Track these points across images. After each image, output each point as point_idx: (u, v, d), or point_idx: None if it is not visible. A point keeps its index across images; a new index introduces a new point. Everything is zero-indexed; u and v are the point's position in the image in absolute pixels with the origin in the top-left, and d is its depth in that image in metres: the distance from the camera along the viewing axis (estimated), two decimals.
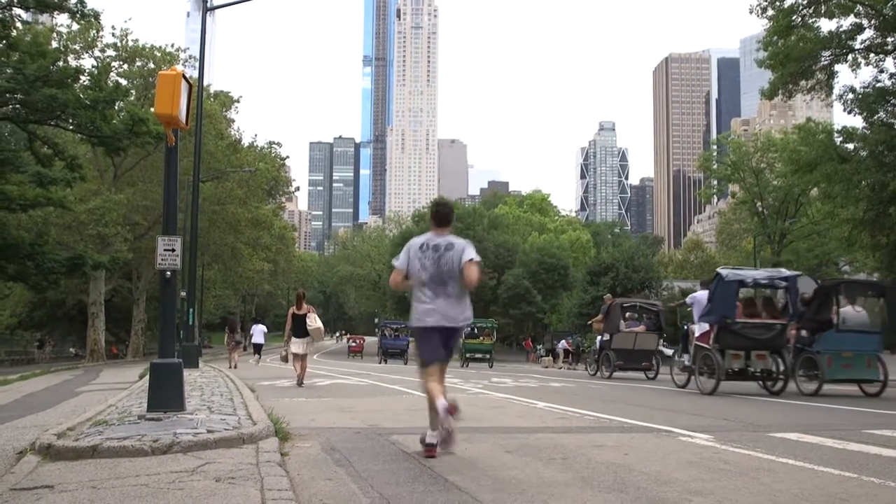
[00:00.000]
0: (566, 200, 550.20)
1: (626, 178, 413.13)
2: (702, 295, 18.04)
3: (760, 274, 17.94)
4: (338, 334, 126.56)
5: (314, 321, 17.35)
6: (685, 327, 20.00)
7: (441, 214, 7.20)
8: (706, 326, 16.80)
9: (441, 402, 6.52)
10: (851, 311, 16.54)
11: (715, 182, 76.25)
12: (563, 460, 6.53)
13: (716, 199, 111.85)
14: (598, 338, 27.17)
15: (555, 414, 10.74)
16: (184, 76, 8.95)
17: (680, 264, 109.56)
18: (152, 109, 25.85)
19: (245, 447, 6.62)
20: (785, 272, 17.80)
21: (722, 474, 5.90)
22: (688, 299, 20.00)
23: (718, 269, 18.31)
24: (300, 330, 17.47)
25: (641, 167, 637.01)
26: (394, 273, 7.24)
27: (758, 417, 10.75)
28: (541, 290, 65.97)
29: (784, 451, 7.10)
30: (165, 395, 8.76)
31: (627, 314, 25.35)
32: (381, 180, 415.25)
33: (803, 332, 16.60)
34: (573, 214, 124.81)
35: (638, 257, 66.90)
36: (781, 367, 16.28)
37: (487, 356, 42.71)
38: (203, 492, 4.85)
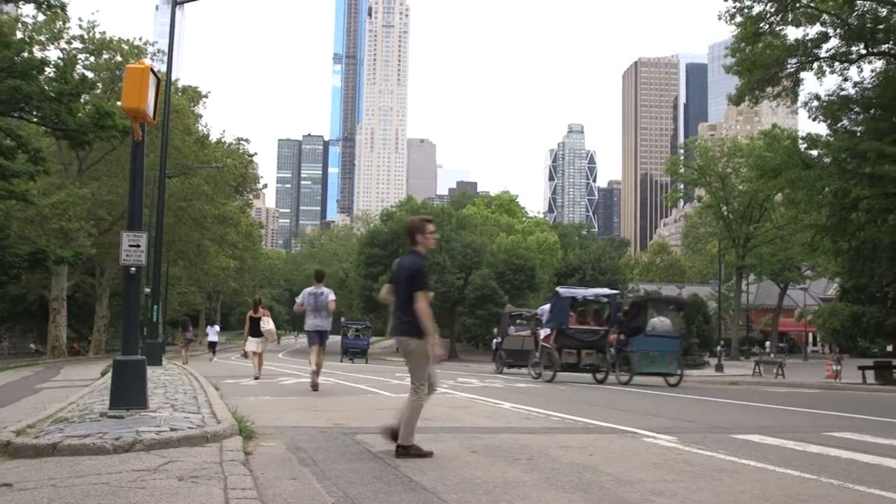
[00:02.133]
0: (534, 202, 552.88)
1: (594, 181, 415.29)
2: (547, 307, 23.35)
3: (588, 292, 24.44)
4: None
5: (267, 323, 19.93)
6: (538, 332, 24.42)
7: (318, 275, 15.49)
8: (548, 331, 21.84)
9: (312, 369, 14.90)
10: (657, 321, 21.73)
11: (681, 186, 76.87)
12: (529, 460, 6.55)
13: (682, 203, 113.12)
14: (494, 340, 33.03)
15: (520, 414, 10.77)
16: (152, 70, 8.86)
17: (646, 267, 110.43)
18: (119, 103, 25.50)
19: (209, 446, 6.56)
20: (607, 291, 24.41)
21: (685, 475, 5.96)
22: (538, 310, 25.70)
23: (557, 288, 24.93)
24: (256, 331, 19.88)
25: (609, 170, 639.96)
26: (296, 305, 15.11)
27: (720, 419, 10.86)
28: (508, 290, 65.97)
29: (746, 452, 7.18)
30: (128, 392, 8.65)
31: (517, 321, 30.06)
32: (350, 179, 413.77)
33: (621, 336, 21.67)
34: (541, 216, 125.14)
35: (604, 259, 67.38)
36: (604, 362, 21.47)
37: None
38: (165, 491, 4.79)
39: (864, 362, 29.36)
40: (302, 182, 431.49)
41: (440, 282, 68.12)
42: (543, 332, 22.34)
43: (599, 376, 21.36)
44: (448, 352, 65.22)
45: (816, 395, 18.41)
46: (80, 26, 43.92)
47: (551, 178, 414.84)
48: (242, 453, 6.27)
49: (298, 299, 14.87)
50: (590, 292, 24.31)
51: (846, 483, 5.71)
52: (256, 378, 19.24)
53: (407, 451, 6.57)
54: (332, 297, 14.62)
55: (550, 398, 14.30)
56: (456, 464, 6.32)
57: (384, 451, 6.80)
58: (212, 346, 44.54)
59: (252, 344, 20.11)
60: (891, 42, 27.63)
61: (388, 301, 7.12)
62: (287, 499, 4.92)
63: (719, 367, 42.41)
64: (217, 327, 47.96)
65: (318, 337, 14.85)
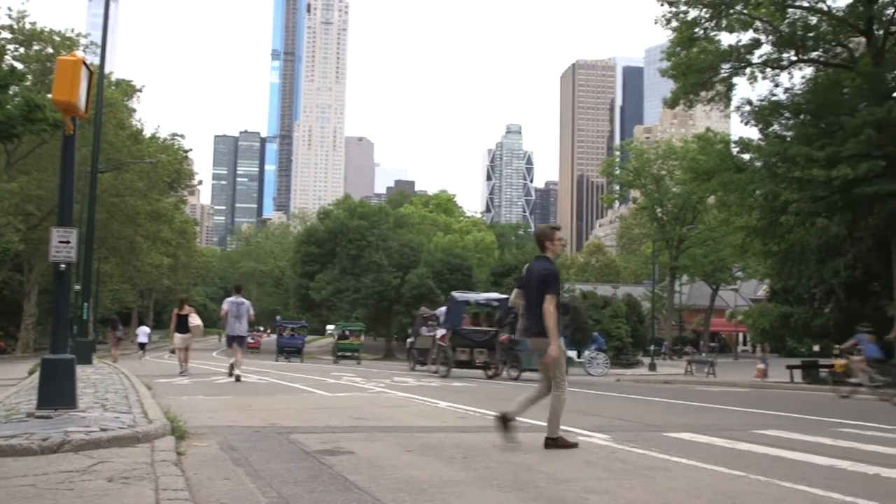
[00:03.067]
0: (472, 202, 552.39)
1: (531, 181, 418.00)
2: (444, 310, 26.20)
3: (480, 296, 27.89)
4: (260, 329, 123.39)
5: (195, 320, 20.78)
6: (435, 332, 26.60)
7: (237, 288, 19.07)
8: (444, 331, 24.24)
9: (232, 367, 17.94)
10: None
11: (617, 187, 77.73)
12: (464, 459, 6.57)
13: (617, 204, 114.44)
14: (408, 340, 36.36)
15: (456, 413, 10.80)
16: (84, 62, 8.66)
17: (582, 267, 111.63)
18: (49, 96, 24.90)
19: (140, 446, 6.44)
20: (498, 296, 26.93)
21: (618, 473, 6.04)
22: (437, 311, 28.89)
23: (452, 293, 27.89)
24: (183, 327, 20.76)
25: (546, 170, 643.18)
26: (222, 311, 18.04)
27: (653, 418, 11.04)
28: (444, 290, 65.98)
29: (678, 450, 7.31)
30: (56, 391, 8.43)
31: (429, 322, 31.27)
32: (287, 176, 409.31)
33: (512, 336, 22.81)
34: (478, 215, 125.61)
35: None
36: (494, 360, 23.89)
37: (356, 354, 48.23)
38: (95, 492, 4.69)
39: (791, 361, 30.13)
40: (238, 179, 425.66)
41: (377, 280, 68.03)
42: (440, 332, 24.78)
43: (490, 373, 23.90)
44: (385, 351, 65.35)
45: (746, 394, 18.83)
46: (10, 16, 42.79)
47: (489, 178, 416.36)
48: (175, 453, 6.17)
49: (224, 306, 18.02)
50: (482, 297, 27.87)
51: (773, 479, 5.85)
52: (182, 373, 20.06)
53: (556, 442, 7.30)
54: (250, 308, 18.18)
55: (487, 397, 14.36)
56: (391, 463, 6.31)
57: (319, 450, 6.76)
58: (142, 346, 45.13)
59: (179, 340, 21.06)
60: (820, 49, 28.41)
61: (519, 305, 8.01)
62: (220, 499, 4.86)
63: (652, 367, 43.16)
64: (147, 328, 49.21)
65: (238, 340, 18.10)
